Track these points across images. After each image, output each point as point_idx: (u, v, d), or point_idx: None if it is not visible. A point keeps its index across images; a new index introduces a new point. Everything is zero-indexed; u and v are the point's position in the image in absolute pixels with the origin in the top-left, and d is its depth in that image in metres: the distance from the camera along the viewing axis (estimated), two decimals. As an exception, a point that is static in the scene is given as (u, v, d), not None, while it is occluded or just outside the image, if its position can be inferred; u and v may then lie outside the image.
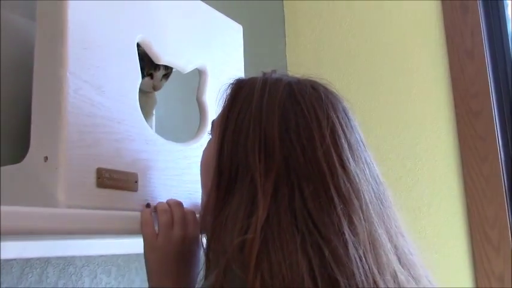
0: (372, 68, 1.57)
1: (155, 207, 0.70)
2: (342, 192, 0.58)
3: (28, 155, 0.63)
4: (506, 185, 1.37)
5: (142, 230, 0.68)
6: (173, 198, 0.73)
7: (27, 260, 0.85)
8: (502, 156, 1.39)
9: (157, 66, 0.80)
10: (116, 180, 0.66)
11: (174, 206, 0.70)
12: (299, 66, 1.69)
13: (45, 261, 0.89)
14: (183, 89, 0.87)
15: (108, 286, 1.00)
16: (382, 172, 1.44)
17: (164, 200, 0.72)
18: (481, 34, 1.44)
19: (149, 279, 0.69)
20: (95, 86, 0.65)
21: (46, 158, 0.61)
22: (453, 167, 1.42)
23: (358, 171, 0.62)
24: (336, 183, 0.58)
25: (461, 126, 1.42)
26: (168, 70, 0.83)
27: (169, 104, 0.86)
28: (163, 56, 0.78)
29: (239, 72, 0.95)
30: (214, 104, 0.86)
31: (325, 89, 0.67)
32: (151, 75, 0.80)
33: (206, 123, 0.85)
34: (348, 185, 0.59)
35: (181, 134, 0.86)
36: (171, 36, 0.81)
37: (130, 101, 0.71)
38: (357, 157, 0.63)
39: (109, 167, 0.66)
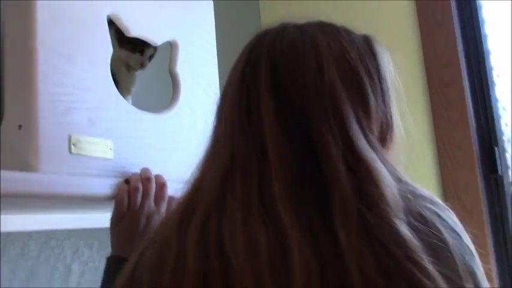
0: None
1: (128, 179, 0.72)
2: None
3: (3, 123, 0.65)
4: (477, 150, 1.41)
5: (116, 196, 0.70)
6: (147, 167, 0.75)
7: (8, 234, 0.87)
8: (473, 123, 1.43)
9: (147, 44, 0.82)
10: (89, 147, 0.69)
11: (146, 180, 0.73)
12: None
13: (27, 235, 0.91)
14: (156, 61, 0.90)
15: (90, 259, 1.02)
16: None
17: (139, 169, 0.75)
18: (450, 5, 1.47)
19: (112, 247, 0.72)
20: (65, 55, 0.67)
21: (20, 126, 0.63)
22: (427, 134, 1.46)
23: None
24: None
25: (434, 95, 1.46)
26: (154, 51, 0.86)
27: (142, 76, 0.88)
28: (132, 29, 0.80)
29: (210, 45, 0.97)
30: (185, 76, 0.90)
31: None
32: (141, 52, 0.83)
33: (178, 94, 0.88)
34: None
35: (155, 105, 0.89)
36: (140, 11, 0.83)
37: (101, 71, 0.73)
38: None
39: (82, 134, 0.68)
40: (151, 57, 0.88)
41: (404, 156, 1.45)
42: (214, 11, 1.01)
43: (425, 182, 1.44)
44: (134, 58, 0.83)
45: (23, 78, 0.64)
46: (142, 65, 0.85)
